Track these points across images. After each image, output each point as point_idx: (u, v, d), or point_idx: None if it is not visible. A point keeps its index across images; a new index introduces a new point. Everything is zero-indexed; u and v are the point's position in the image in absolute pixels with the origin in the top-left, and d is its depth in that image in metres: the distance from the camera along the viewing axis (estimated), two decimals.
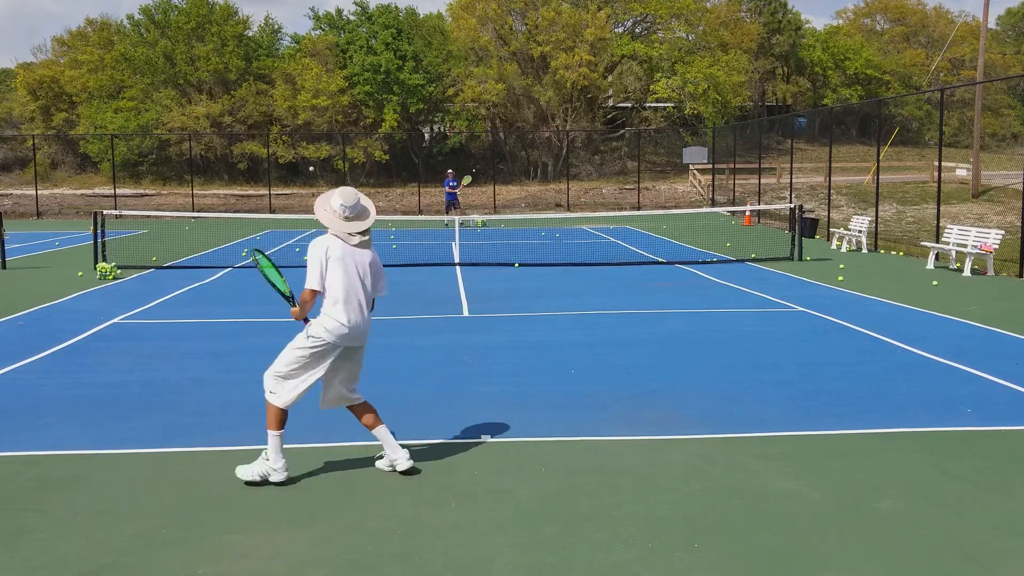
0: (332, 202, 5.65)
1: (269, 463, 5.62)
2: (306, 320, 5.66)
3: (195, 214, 30.20)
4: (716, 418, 7.06)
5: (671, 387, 8.07)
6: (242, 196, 41.90)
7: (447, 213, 30.65)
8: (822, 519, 5.07)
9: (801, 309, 12.33)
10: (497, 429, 6.81)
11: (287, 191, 42.89)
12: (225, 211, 37.96)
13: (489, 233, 27.89)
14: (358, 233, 5.64)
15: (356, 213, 5.64)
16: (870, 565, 4.48)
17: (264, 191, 41.32)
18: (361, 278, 5.66)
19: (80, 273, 16.97)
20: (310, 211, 38.92)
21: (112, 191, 40.95)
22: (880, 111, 37.24)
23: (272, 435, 5.60)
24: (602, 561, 4.55)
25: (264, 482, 5.62)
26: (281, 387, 5.62)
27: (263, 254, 6.01)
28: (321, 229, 5.59)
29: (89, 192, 42.85)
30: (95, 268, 16.49)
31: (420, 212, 38.29)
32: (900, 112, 51.10)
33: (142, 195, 42.45)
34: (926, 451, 6.23)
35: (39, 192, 40.87)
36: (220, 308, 12.91)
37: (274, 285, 5.85)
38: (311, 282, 5.56)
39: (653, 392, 7.90)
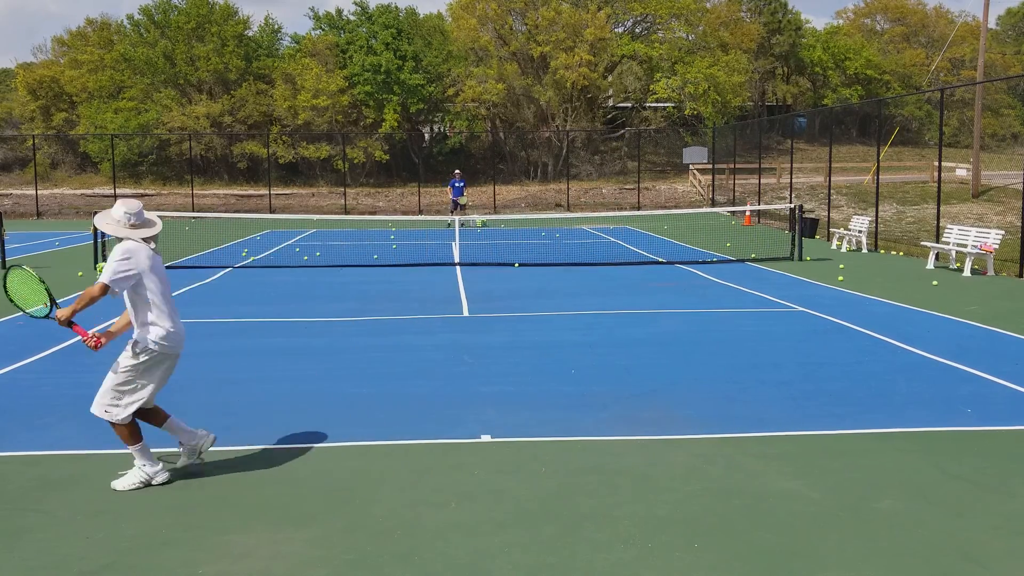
0: (115, 213, 5.69)
1: (146, 469, 5.66)
2: (71, 323, 5.53)
3: (195, 214, 30.16)
4: (716, 418, 7.06)
5: (671, 387, 8.07)
6: (242, 196, 41.91)
7: (452, 213, 30.66)
8: (822, 519, 5.07)
9: (801, 309, 12.33)
10: (497, 429, 6.81)
11: (287, 191, 42.90)
12: (225, 211, 37.95)
13: (489, 233, 27.89)
14: (151, 239, 5.67)
15: (141, 221, 5.70)
16: (870, 565, 4.48)
17: (264, 191, 41.33)
18: (168, 285, 5.76)
19: (80, 273, 16.96)
20: (310, 211, 38.98)
21: (112, 191, 40.94)
22: (880, 111, 37.20)
23: (133, 449, 5.63)
24: (602, 561, 4.55)
25: (147, 485, 5.64)
26: (116, 406, 5.58)
27: (23, 270, 5.86)
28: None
29: (89, 192, 42.86)
30: (95, 268, 16.50)
31: (420, 212, 38.28)
32: (900, 112, 51.09)
33: (142, 195, 42.40)
34: (926, 451, 6.23)
35: (39, 192, 40.88)
36: (219, 308, 12.92)
37: (21, 308, 5.81)
38: (110, 277, 5.42)
39: (653, 392, 7.90)
